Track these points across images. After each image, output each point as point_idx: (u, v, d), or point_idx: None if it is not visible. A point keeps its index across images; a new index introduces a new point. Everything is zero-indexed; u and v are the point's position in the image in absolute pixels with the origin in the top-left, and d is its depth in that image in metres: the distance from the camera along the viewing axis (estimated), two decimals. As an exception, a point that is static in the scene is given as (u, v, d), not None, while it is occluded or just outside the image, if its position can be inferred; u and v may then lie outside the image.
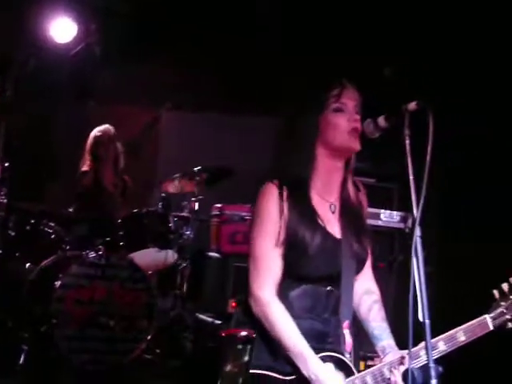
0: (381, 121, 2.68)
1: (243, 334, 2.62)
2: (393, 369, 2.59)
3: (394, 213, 5.64)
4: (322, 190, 2.73)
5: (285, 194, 2.63)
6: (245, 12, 6.61)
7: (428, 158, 2.44)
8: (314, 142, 2.70)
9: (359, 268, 2.78)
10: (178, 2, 6.78)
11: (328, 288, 2.67)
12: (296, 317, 2.61)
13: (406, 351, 2.52)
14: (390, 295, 5.50)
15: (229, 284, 5.49)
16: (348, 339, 2.71)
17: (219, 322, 5.22)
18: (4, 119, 5.40)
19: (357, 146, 2.70)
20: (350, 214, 2.79)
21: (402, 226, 5.67)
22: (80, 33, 6.33)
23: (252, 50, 7.04)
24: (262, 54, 7.00)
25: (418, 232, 2.49)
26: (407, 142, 2.56)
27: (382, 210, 5.46)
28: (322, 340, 2.65)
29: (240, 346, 2.50)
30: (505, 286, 2.68)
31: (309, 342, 2.56)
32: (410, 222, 5.76)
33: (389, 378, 2.58)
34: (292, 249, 2.61)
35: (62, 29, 6.39)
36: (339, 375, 2.57)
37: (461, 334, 2.60)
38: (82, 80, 7.03)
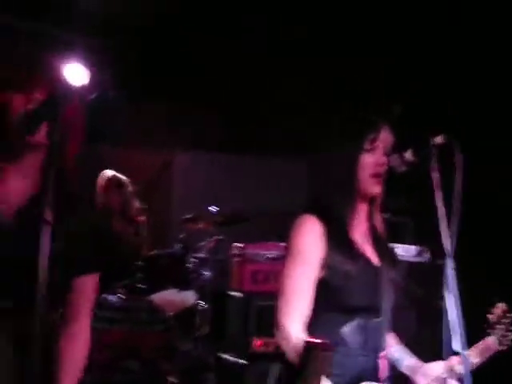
0: (408, 155, 2.70)
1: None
2: None
3: (411, 247, 5.62)
4: (357, 221, 2.73)
5: (322, 226, 2.62)
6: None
7: (458, 190, 2.47)
8: (354, 180, 2.69)
9: (396, 295, 2.79)
10: (192, 47, 6.86)
11: (378, 320, 2.66)
12: (350, 354, 2.60)
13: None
14: (410, 329, 5.47)
15: (251, 323, 5.48)
16: (383, 367, 2.68)
17: (243, 361, 5.21)
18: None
19: (376, 190, 2.72)
20: (381, 243, 2.81)
21: (418, 259, 5.65)
22: (93, 78, 6.36)
23: (267, 92, 7.13)
24: (277, 97, 7.08)
25: (451, 264, 2.50)
26: (436, 175, 2.58)
27: (398, 245, 5.44)
28: (375, 374, 2.64)
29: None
30: (497, 310, 2.88)
31: (363, 379, 2.57)
32: (426, 255, 5.76)
33: None
34: (335, 281, 2.59)
35: (74, 75, 6.43)
36: None
37: (473, 357, 2.76)
38: (96, 125, 7.06)
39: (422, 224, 5.94)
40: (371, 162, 2.69)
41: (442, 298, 5.76)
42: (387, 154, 2.73)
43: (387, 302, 2.70)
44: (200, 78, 7.18)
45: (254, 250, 5.77)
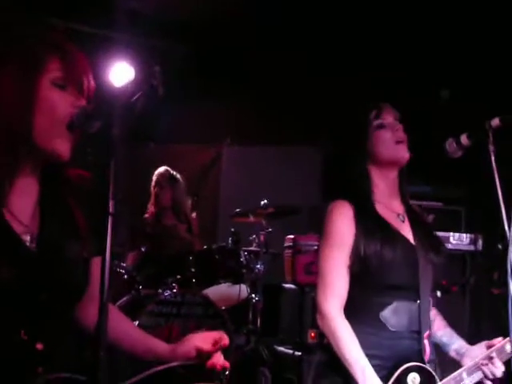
0: (463, 139, 2.69)
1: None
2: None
3: (464, 235, 5.57)
4: (386, 202, 2.80)
5: (353, 210, 2.70)
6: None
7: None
8: (363, 159, 2.79)
9: (436, 274, 2.80)
10: (233, 42, 6.89)
11: (418, 302, 2.68)
12: (392, 337, 2.64)
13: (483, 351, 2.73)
14: (465, 318, 5.43)
15: (307, 314, 5.49)
16: (427, 349, 2.71)
17: (299, 353, 5.20)
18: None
19: (405, 154, 2.78)
20: (418, 222, 2.85)
21: (472, 248, 5.60)
22: (139, 75, 6.42)
23: (304, 83, 7.12)
24: (313, 84, 7.07)
25: (512, 250, 2.47)
26: (493, 158, 2.55)
27: (451, 233, 5.41)
28: (421, 357, 2.66)
29: None
30: None
31: (411, 361, 2.59)
32: (480, 243, 5.70)
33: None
34: (370, 261, 2.63)
35: (121, 73, 6.49)
36: None
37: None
38: (142, 122, 7.13)
39: (475, 212, 5.92)
40: (388, 133, 2.78)
41: (496, 284, 5.69)
42: (398, 121, 2.83)
43: (426, 282, 2.72)
44: (247, 71, 7.21)
45: (306, 242, 5.77)
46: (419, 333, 2.67)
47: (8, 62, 1.89)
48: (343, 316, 2.62)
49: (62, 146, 1.91)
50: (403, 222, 2.79)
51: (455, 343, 2.81)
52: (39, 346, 1.88)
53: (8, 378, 1.84)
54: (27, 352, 1.88)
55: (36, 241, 1.93)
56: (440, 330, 2.85)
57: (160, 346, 2.17)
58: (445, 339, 2.82)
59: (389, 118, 2.80)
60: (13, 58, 1.90)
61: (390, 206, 2.79)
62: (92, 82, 2.00)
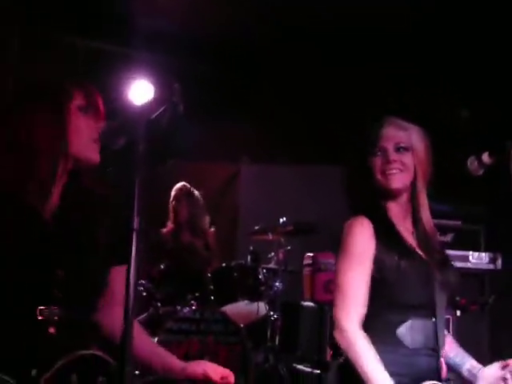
0: (485, 157, 2.70)
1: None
2: None
3: (483, 254, 5.54)
4: (401, 223, 2.79)
5: (373, 226, 2.70)
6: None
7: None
8: (368, 185, 2.78)
9: (451, 293, 2.80)
10: (250, 62, 6.91)
11: (433, 320, 2.67)
12: (409, 354, 2.62)
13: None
14: (484, 337, 5.39)
15: (326, 332, 5.46)
16: (444, 367, 2.71)
17: (318, 371, 5.18)
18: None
19: (393, 185, 2.75)
20: (430, 242, 2.82)
21: (491, 267, 5.57)
22: (159, 93, 6.44)
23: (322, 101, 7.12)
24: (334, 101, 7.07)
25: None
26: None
27: (471, 252, 5.39)
28: (439, 375, 2.66)
29: None
30: None
31: (429, 379, 2.58)
32: (499, 262, 5.67)
33: None
34: (388, 278, 2.64)
35: (141, 91, 6.50)
36: None
37: None
38: (163, 141, 7.16)
39: (495, 230, 5.89)
40: (379, 160, 2.76)
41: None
42: (401, 148, 2.77)
43: (441, 301, 2.71)
44: (264, 90, 7.23)
45: (325, 259, 5.74)
46: (436, 350, 2.67)
47: (46, 99, 2.33)
48: (362, 332, 2.60)
49: (93, 154, 2.33)
50: (412, 238, 2.80)
51: (467, 363, 2.79)
52: (52, 330, 2.07)
53: (20, 358, 2.01)
54: (40, 333, 2.06)
55: (53, 218, 2.25)
56: (452, 350, 2.82)
57: (174, 362, 2.43)
58: (457, 359, 2.80)
59: (387, 143, 2.77)
60: (50, 95, 2.35)
61: (404, 224, 2.80)
62: (103, 110, 2.41)
